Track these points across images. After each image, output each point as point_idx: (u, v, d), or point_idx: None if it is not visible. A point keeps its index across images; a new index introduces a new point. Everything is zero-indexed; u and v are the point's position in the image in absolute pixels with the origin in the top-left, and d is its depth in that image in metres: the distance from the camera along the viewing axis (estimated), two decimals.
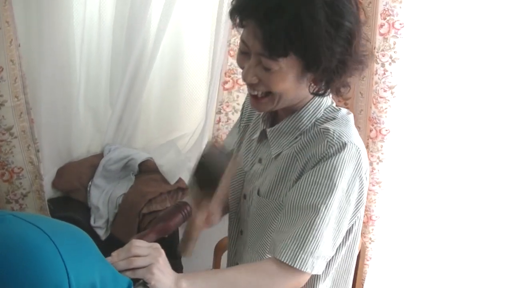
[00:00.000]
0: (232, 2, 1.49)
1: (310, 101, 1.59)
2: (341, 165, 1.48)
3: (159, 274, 1.29)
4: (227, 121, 2.78)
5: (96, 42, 2.56)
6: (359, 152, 1.52)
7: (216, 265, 2.62)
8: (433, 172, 2.70)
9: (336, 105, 1.66)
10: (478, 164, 2.63)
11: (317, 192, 1.47)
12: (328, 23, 1.38)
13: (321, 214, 1.45)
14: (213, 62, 2.59)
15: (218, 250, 2.76)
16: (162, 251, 1.34)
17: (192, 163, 2.74)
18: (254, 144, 1.74)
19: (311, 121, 1.59)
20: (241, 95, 2.73)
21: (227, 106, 2.75)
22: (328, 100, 1.62)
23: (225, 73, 2.67)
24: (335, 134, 1.50)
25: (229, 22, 2.56)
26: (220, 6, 2.50)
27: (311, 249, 1.44)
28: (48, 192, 2.59)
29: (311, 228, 1.45)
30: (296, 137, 1.60)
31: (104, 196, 2.62)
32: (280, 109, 1.61)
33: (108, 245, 1.35)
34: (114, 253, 1.34)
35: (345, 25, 1.41)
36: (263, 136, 1.70)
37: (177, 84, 2.74)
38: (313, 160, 1.52)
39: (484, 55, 2.50)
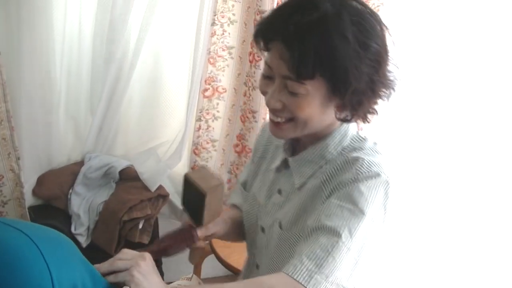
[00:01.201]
0: (256, 25, 1.42)
1: (336, 129, 1.49)
2: (369, 192, 1.36)
3: (139, 277, 1.27)
4: (207, 128, 2.80)
5: (77, 51, 2.57)
6: (388, 184, 1.39)
7: (197, 271, 2.64)
8: (421, 171, 2.71)
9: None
10: (473, 163, 2.65)
11: (342, 216, 1.36)
12: (356, 43, 1.31)
13: (343, 239, 1.33)
14: (193, 70, 2.61)
15: (201, 254, 2.78)
16: (148, 258, 1.33)
17: (172, 170, 2.76)
18: (271, 175, 1.64)
19: (337, 150, 1.49)
20: (221, 102, 2.75)
21: (207, 114, 2.77)
22: (353, 129, 1.52)
23: (205, 81, 2.69)
24: (364, 163, 1.40)
25: (209, 30, 2.61)
26: (200, 15, 2.52)
27: (327, 272, 1.32)
28: (29, 199, 2.59)
29: (332, 250, 1.33)
30: (321, 166, 1.49)
31: (84, 204, 2.63)
32: (303, 137, 1.51)
33: (89, 252, 1.36)
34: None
35: (372, 46, 1.33)
36: (284, 165, 1.59)
37: (157, 92, 2.76)
38: (339, 188, 1.40)
39: (461, 51, 2.54)
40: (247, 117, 2.72)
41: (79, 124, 2.72)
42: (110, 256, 2.44)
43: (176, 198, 2.96)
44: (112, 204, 2.60)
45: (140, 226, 2.62)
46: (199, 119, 2.77)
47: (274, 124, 1.45)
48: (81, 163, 2.73)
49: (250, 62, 2.60)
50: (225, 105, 2.76)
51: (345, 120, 1.44)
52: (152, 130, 2.86)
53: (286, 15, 1.34)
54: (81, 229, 2.59)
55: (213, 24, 2.60)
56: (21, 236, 1.13)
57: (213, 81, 2.70)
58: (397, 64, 1.44)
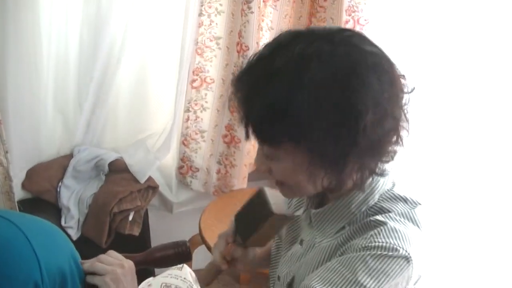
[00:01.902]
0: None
1: None
2: (377, 266, 1.15)
3: (111, 285, 1.27)
4: (196, 119, 2.80)
5: (64, 43, 2.55)
6: (407, 262, 1.17)
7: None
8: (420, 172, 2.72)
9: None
10: (472, 163, 2.64)
11: (334, 282, 1.18)
12: (323, 103, 1.09)
13: None
14: (181, 60, 2.61)
15: (192, 245, 2.78)
16: (128, 266, 1.33)
17: (161, 161, 2.76)
18: (300, 222, 1.45)
19: (360, 209, 1.26)
20: (209, 93, 2.74)
21: (196, 105, 2.77)
22: (386, 183, 1.28)
23: (193, 72, 2.68)
24: (383, 231, 1.18)
25: (196, 21, 2.60)
26: (187, 5, 2.52)
27: None
28: (18, 193, 2.58)
29: None
30: (344, 227, 1.28)
31: (74, 197, 2.63)
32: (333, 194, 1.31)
33: (80, 245, 1.36)
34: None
35: (350, 101, 1.09)
36: (307, 215, 1.39)
37: (145, 84, 2.75)
38: (346, 252, 1.22)
39: (450, 49, 2.54)
40: (235, 107, 2.70)
41: (68, 117, 2.71)
42: (101, 248, 2.47)
43: (166, 190, 2.97)
44: (101, 196, 2.60)
45: (130, 218, 2.63)
46: (187, 110, 2.77)
47: (276, 185, 1.30)
48: (70, 156, 2.73)
49: (238, 52, 2.59)
50: (213, 95, 2.75)
51: (329, 190, 1.24)
52: (141, 122, 2.86)
53: (253, 62, 1.17)
54: (71, 222, 2.59)
55: (200, 14, 2.59)
56: (8, 225, 1.14)
57: (201, 72, 2.69)
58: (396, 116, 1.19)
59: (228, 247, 1.47)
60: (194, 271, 1.87)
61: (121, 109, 2.79)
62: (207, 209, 2.75)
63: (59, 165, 2.70)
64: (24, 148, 2.60)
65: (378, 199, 1.26)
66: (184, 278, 1.78)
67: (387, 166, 1.24)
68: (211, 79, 2.71)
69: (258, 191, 1.42)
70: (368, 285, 1.15)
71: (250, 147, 2.88)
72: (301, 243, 1.40)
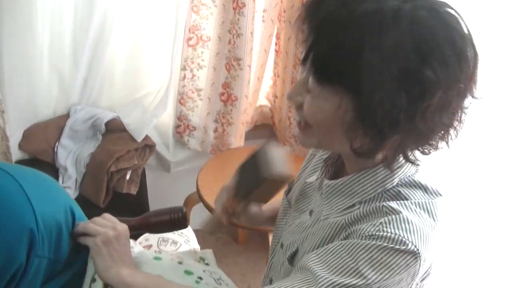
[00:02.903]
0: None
1: (383, 165, 1.20)
2: (381, 258, 1.09)
3: (100, 247, 1.27)
4: (192, 77, 2.78)
5: (59, 2, 2.52)
6: (416, 257, 1.10)
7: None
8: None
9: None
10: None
11: (333, 266, 1.12)
12: (402, 63, 1.02)
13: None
14: (177, 19, 2.58)
15: (187, 204, 2.80)
16: (121, 230, 1.32)
17: (157, 120, 2.76)
18: (312, 191, 1.40)
19: (376, 190, 1.20)
20: (205, 51, 2.72)
21: (192, 63, 2.75)
22: (409, 168, 1.21)
23: (189, 30, 2.66)
24: (395, 220, 1.11)
25: None
26: None
27: None
28: (15, 154, 2.58)
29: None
30: (354, 205, 1.22)
31: (71, 157, 2.63)
32: (347, 161, 1.27)
33: (78, 205, 1.37)
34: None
35: (424, 74, 1.02)
36: (319, 185, 1.34)
37: (141, 42, 2.73)
38: (351, 236, 1.16)
39: None
40: (232, 65, 2.70)
41: (64, 77, 2.69)
42: (99, 208, 2.48)
43: (163, 149, 2.97)
44: (99, 155, 2.60)
45: (128, 176, 2.63)
46: (183, 69, 2.76)
47: (297, 126, 1.24)
48: (66, 116, 2.72)
49: (234, 9, 2.57)
50: (209, 53, 2.74)
51: (359, 153, 1.14)
52: (137, 80, 2.84)
53: None
54: (68, 182, 2.60)
55: None
56: (3, 175, 1.15)
57: (197, 30, 2.67)
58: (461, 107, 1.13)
59: (229, 200, 1.47)
60: (194, 231, 1.88)
61: (117, 68, 2.77)
62: (204, 168, 2.75)
63: (56, 125, 2.69)
64: (20, 108, 2.59)
65: (397, 183, 1.20)
66: (181, 233, 1.80)
67: (420, 156, 1.19)
68: (207, 37, 2.69)
69: (263, 146, 1.40)
70: (368, 277, 1.08)
71: (247, 105, 2.87)
72: (310, 213, 1.35)
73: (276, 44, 2.92)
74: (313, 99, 1.13)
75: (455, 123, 1.13)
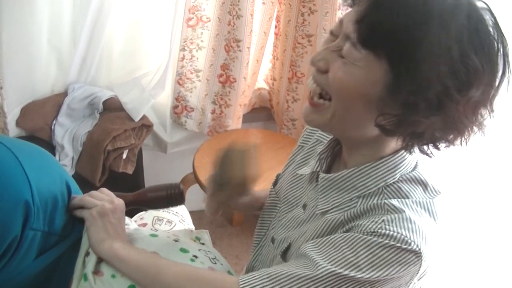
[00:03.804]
0: None
1: (386, 159, 1.19)
2: (383, 256, 1.08)
3: (96, 218, 1.28)
4: (191, 58, 2.78)
5: None
6: (418, 258, 1.09)
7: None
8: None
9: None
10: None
11: (331, 255, 1.11)
12: (454, 46, 1.02)
13: (318, 274, 1.10)
14: None
15: (184, 184, 2.80)
16: (117, 203, 1.33)
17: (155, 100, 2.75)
18: (303, 183, 1.40)
19: (377, 185, 1.19)
20: (205, 32, 2.72)
21: (191, 43, 2.74)
22: (410, 162, 1.21)
23: (189, 10, 2.65)
24: (397, 220, 1.10)
25: None
26: None
27: None
28: (12, 131, 2.58)
29: (293, 275, 1.12)
30: (352, 199, 1.21)
31: (68, 135, 2.63)
32: (347, 154, 1.27)
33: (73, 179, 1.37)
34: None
35: (471, 61, 1.03)
36: (315, 178, 1.33)
37: (140, 22, 2.72)
38: (352, 230, 1.14)
39: None
40: (231, 47, 2.69)
41: (62, 55, 2.68)
42: (95, 186, 2.48)
43: (160, 130, 2.97)
44: (96, 134, 2.60)
45: (124, 156, 2.63)
46: (183, 49, 2.75)
47: (308, 101, 1.21)
48: (64, 94, 2.71)
49: None
50: (209, 34, 2.73)
51: (384, 130, 1.12)
52: (136, 60, 2.84)
53: None
54: (65, 160, 2.60)
55: None
56: (0, 147, 1.15)
57: (197, 10, 2.66)
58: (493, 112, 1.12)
59: (212, 195, 1.44)
60: (190, 213, 1.88)
61: (116, 47, 2.76)
62: (201, 148, 2.76)
63: (53, 103, 2.69)
64: (18, 85, 2.58)
65: (398, 178, 1.19)
66: (176, 212, 1.80)
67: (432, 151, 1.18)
68: (207, 18, 2.68)
69: (224, 152, 1.40)
70: (368, 272, 1.08)
71: (245, 87, 2.87)
72: (304, 207, 1.34)
73: (276, 26, 2.91)
74: (345, 65, 1.10)
75: (480, 123, 1.13)
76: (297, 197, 1.39)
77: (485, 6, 1.07)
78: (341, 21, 1.14)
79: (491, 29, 1.06)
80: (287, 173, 1.48)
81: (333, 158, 1.35)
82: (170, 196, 1.46)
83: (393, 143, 1.19)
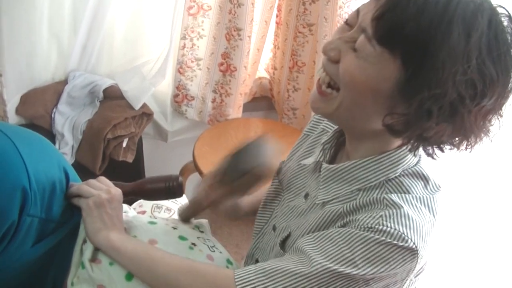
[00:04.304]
0: None
1: (389, 154, 1.18)
2: (378, 252, 1.08)
3: (92, 208, 1.27)
4: (192, 46, 2.77)
5: None
6: (414, 255, 1.09)
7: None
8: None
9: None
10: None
11: (327, 250, 1.11)
12: (474, 51, 1.00)
13: (312, 271, 1.10)
14: None
15: (183, 173, 2.81)
16: (115, 193, 1.32)
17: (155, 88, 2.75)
18: (306, 173, 1.39)
19: (378, 179, 1.18)
20: (206, 20, 2.71)
21: (192, 32, 2.74)
22: (411, 159, 1.20)
23: None
24: (394, 215, 1.10)
25: None
26: None
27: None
28: (12, 118, 2.58)
29: (288, 272, 1.12)
30: (352, 192, 1.21)
31: (68, 123, 2.62)
32: (350, 146, 1.26)
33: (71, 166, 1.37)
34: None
35: (488, 70, 1.01)
36: (318, 168, 1.32)
37: (141, 10, 2.71)
38: (349, 224, 1.14)
39: None
40: (232, 35, 2.69)
41: (63, 42, 2.68)
42: (95, 175, 2.48)
43: (161, 119, 2.97)
44: (96, 122, 2.60)
45: (124, 144, 2.63)
46: (183, 37, 2.74)
47: (316, 88, 1.18)
48: (64, 82, 2.71)
49: None
50: (210, 23, 2.72)
51: (391, 130, 1.10)
52: (137, 48, 2.83)
53: None
54: (65, 148, 2.59)
55: None
56: None
57: None
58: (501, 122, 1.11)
59: (212, 186, 1.46)
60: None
61: (116, 35, 2.76)
62: (201, 137, 2.75)
63: (54, 91, 2.68)
64: (18, 73, 2.58)
65: (400, 172, 1.18)
66: (176, 200, 1.80)
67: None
68: (208, 6, 2.68)
69: (257, 137, 1.40)
70: (363, 268, 1.07)
71: (246, 76, 2.86)
72: (305, 197, 1.34)
73: (277, 16, 2.91)
74: (358, 58, 1.08)
75: (487, 129, 1.12)
76: (300, 186, 1.38)
77: (505, 12, 1.06)
78: (358, 11, 1.11)
79: (509, 37, 1.04)
80: (292, 162, 1.47)
81: (337, 149, 1.34)
82: (169, 188, 1.45)
83: (398, 140, 1.18)
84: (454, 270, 2.60)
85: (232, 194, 1.47)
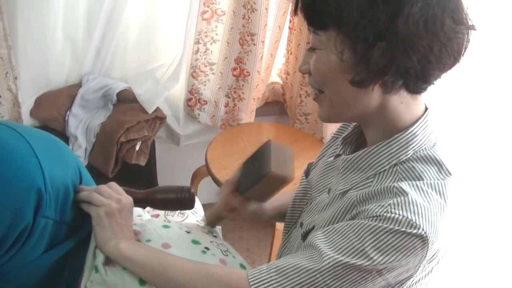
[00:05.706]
0: None
1: (397, 136, 1.20)
2: (387, 240, 1.09)
3: (103, 218, 1.27)
4: (205, 51, 2.78)
5: None
6: (424, 245, 1.10)
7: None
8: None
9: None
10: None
11: (338, 244, 1.13)
12: None
13: (324, 266, 1.12)
14: None
15: (195, 177, 2.81)
16: (126, 203, 1.32)
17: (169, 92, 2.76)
18: (332, 171, 1.40)
19: (390, 162, 1.20)
20: (219, 25, 2.71)
21: (206, 36, 2.74)
22: (425, 140, 1.21)
23: (204, 3, 2.65)
24: (403, 202, 1.10)
25: None
26: None
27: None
28: (26, 121, 2.60)
29: (301, 268, 1.14)
30: (368, 178, 1.23)
31: (82, 126, 2.64)
32: (365, 135, 1.28)
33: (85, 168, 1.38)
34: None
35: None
36: (338, 163, 1.35)
37: (155, 14, 2.72)
38: (359, 215, 1.16)
39: None
40: (246, 40, 2.69)
41: (77, 46, 2.69)
42: (107, 177, 2.49)
43: (173, 123, 2.97)
44: (109, 125, 2.61)
45: (137, 147, 2.64)
46: (197, 42, 2.75)
47: (315, 100, 1.27)
48: (78, 85, 2.72)
49: None
50: (223, 28, 2.73)
51: (361, 83, 1.13)
52: (150, 52, 2.84)
53: None
54: (78, 151, 2.61)
55: None
56: (14, 134, 1.16)
57: (212, 4, 2.66)
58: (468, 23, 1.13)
59: (229, 195, 1.48)
60: (202, 205, 1.89)
61: (130, 39, 2.77)
62: (214, 141, 2.76)
63: (68, 94, 2.70)
64: (33, 75, 2.60)
65: (412, 155, 1.19)
66: None
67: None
68: (222, 11, 2.68)
69: (268, 142, 1.40)
70: (374, 258, 1.09)
71: (259, 81, 2.87)
72: (329, 191, 1.35)
73: (290, 21, 2.91)
74: (316, 55, 1.17)
75: (449, 46, 1.12)
76: (325, 183, 1.41)
77: None
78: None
79: None
80: (320, 162, 1.50)
81: (361, 142, 1.36)
82: (180, 200, 1.45)
83: (403, 116, 1.20)
84: (459, 268, 2.60)
85: (249, 201, 1.47)
